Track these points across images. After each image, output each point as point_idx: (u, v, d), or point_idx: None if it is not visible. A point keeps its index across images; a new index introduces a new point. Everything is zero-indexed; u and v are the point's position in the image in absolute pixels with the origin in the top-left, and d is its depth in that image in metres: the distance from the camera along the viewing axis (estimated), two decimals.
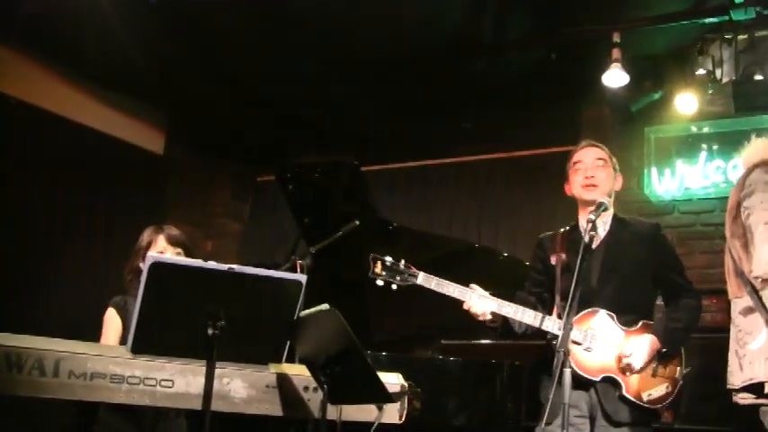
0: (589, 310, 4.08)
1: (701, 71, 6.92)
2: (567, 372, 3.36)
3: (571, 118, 7.58)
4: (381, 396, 3.46)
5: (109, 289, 7.24)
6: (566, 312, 3.51)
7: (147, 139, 8.61)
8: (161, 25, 6.57)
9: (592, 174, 4.25)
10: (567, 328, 3.43)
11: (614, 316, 4.09)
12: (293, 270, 4.83)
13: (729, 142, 7.30)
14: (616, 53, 6.64)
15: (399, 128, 8.32)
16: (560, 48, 6.89)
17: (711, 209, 7.30)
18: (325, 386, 3.45)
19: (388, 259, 4.18)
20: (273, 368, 3.65)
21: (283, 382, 3.66)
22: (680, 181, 7.44)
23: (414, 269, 4.18)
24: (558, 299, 4.14)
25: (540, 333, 4.15)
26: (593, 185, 4.23)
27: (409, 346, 5.96)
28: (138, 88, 7.98)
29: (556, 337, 3.94)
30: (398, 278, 4.16)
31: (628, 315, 4.11)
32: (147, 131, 8.64)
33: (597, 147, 4.40)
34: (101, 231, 8.01)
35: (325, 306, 3.31)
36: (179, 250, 4.47)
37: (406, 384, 4.10)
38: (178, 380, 3.46)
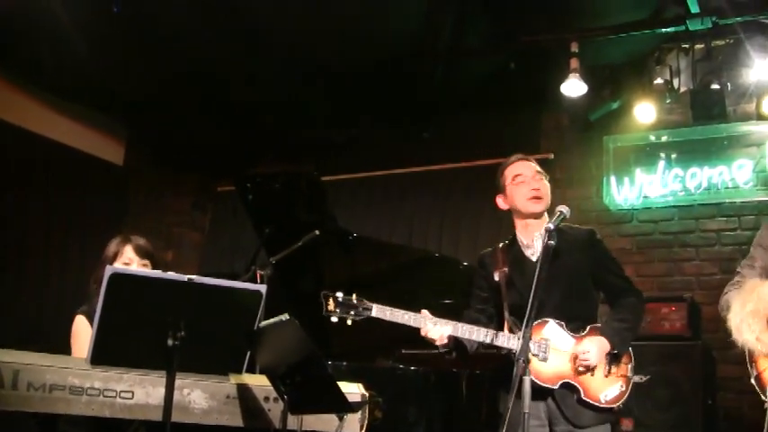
0: (539, 320, 4.12)
1: (658, 80, 7.03)
2: (527, 380, 3.39)
3: (531, 127, 7.63)
4: (342, 406, 3.46)
5: (68, 299, 7.21)
6: (524, 322, 3.54)
7: (106, 150, 8.54)
8: (119, 35, 6.51)
9: (537, 186, 4.28)
10: (527, 337, 3.46)
11: (563, 324, 4.14)
12: (253, 280, 4.82)
13: (687, 151, 7.42)
14: (574, 63, 6.70)
15: (360, 137, 8.32)
16: (519, 57, 6.93)
17: (670, 217, 7.38)
18: (285, 396, 3.45)
19: (340, 295, 4.12)
20: (234, 378, 3.63)
21: (244, 392, 3.65)
22: (639, 189, 7.50)
23: (366, 302, 4.13)
24: (506, 313, 4.19)
25: (490, 347, 4.17)
26: (539, 198, 4.26)
27: (370, 356, 5.96)
28: (97, 98, 7.90)
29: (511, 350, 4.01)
30: (353, 312, 4.12)
31: (575, 322, 4.17)
32: (107, 142, 8.56)
33: (531, 160, 4.45)
34: (59, 242, 7.92)
35: (284, 316, 3.31)
36: (146, 261, 4.42)
37: (366, 394, 4.11)
38: (138, 391, 3.44)
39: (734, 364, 6.76)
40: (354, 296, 4.13)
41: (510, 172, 4.37)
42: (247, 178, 5.89)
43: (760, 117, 6.87)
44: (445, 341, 4.11)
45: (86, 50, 6.51)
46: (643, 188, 7.49)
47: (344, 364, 5.04)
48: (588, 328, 4.16)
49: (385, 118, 7.99)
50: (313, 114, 8.01)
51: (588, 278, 4.29)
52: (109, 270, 3.11)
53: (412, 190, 8.47)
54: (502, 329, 4.16)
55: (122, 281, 3.14)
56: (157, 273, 3.25)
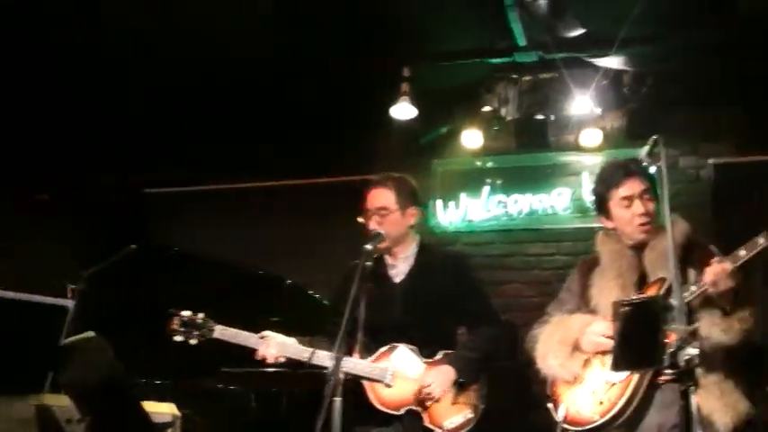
0: (388, 346, 4.17)
1: (487, 108, 7.22)
2: (338, 401, 3.38)
3: (362, 148, 7.65)
4: (146, 427, 3.38)
5: None
6: (337, 342, 3.53)
7: None
8: None
9: (373, 227, 4.28)
10: (338, 357, 3.45)
11: (416, 349, 4.16)
12: (64, 295, 4.64)
13: (511, 177, 7.66)
14: (405, 87, 6.83)
15: (194, 151, 8.12)
16: (353, 78, 6.96)
17: (492, 241, 7.59)
18: (87, 418, 3.33)
19: (186, 314, 4.10)
20: (33, 399, 3.49)
21: (44, 414, 3.51)
22: (463, 213, 7.67)
23: (211, 323, 4.12)
24: (359, 332, 4.10)
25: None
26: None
27: (191, 375, 5.85)
28: None
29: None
30: (196, 333, 4.09)
31: (430, 347, 4.20)
32: None
33: (383, 188, 4.42)
34: None
35: (89, 333, 3.21)
36: None
37: (179, 414, 4.04)
38: None
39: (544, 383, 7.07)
40: (201, 315, 4.11)
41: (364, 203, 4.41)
42: (65, 188, 5.70)
43: (579, 148, 7.15)
44: (281, 360, 4.14)
45: None
46: (468, 212, 7.66)
47: (158, 382, 4.93)
48: (441, 354, 4.19)
49: (222, 133, 7.85)
50: (146, 125, 7.76)
51: (449, 303, 4.29)
52: None
53: (244, 206, 8.38)
54: (353, 346, 4.13)
55: None
56: None
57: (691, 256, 3.67)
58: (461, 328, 4.50)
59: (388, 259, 4.34)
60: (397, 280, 4.32)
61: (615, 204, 3.86)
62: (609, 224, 3.94)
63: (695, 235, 3.84)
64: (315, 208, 8.03)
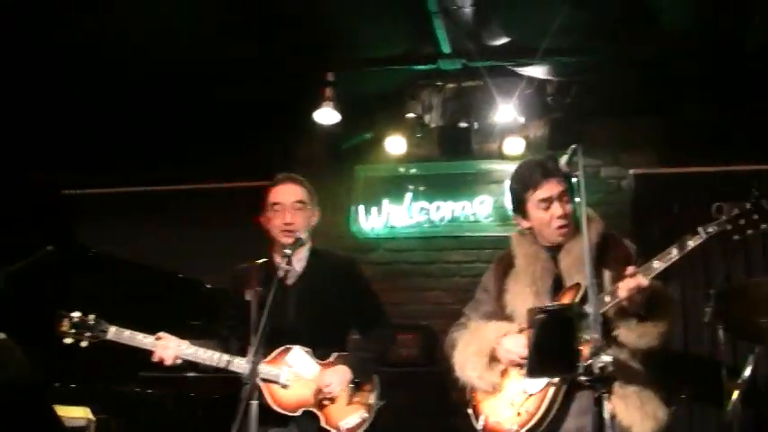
0: (284, 348, 4.14)
1: (411, 115, 7.27)
2: (254, 405, 3.37)
3: (284, 152, 7.62)
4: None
5: None
6: (254, 346, 3.51)
7: None
8: None
9: (291, 220, 4.23)
10: (255, 361, 3.44)
11: (310, 351, 4.17)
12: None
13: (434, 184, 7.73)
14: (329, 92, 6.82)
15: (116, 152, 7.97)
16: (275, 82, 6.93)
17: (414, 248, 7.63)
18: None
19: (76, 315, 3.98)
20: None
21: None
22: (386, 219, 7.71)
23: (104, 324, 4.01)
24: (252, 336, 4.03)
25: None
26: (293, 231, 4.20)
27: (111, 379, 5.76)
28: None
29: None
30: (88, 334, 3.98)
31: (324, 349, 4.21)
32: None
33: (296, 184, 4.40)
34: None
35: (0, 335, 3.13)
36: None
37: (93, 418, 3.98)
38: None
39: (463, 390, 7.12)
40: (92, 317, 4.00)
41: (271, 197, 4.34)
42: None
43: (502, 156, 7.24)
44: (179, 362, 4.05)
45: None
46: (390, 218, 7.70)
47: (73, 386, 4.83)
48: (335, 355, 4.21)
49: (140, 136, 7.72)
50: (58, 125, 7.58)
51: (342, 306, 4.31)
52: None
53: (164, 209, 8.27)
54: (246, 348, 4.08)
55: None
56: None
57: (606, 256, 3.72)
58: (353, 331, 4.52)
59: (279, 260, 4.26)
60: (290, 282, 4.27)
61: (533, 206, 3.84)
62: (525, 224, 3.93)
63: (609, 230, 3.88)
64: (233, 211, 7.96)
